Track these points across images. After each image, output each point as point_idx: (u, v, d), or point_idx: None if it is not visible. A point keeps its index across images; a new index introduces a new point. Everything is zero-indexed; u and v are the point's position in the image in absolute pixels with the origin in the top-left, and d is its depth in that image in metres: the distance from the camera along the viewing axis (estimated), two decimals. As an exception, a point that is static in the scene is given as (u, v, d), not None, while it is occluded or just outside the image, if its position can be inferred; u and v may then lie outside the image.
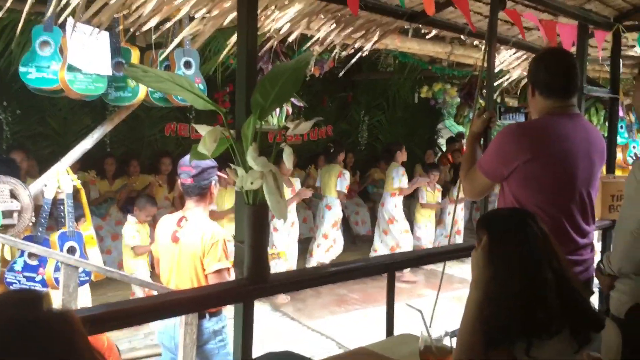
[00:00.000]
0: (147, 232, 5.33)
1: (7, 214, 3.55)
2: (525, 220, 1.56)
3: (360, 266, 2.35)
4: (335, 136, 9.08)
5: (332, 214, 6.83)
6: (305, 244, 7.77)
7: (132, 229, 5.20)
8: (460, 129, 10.00)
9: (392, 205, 7.17)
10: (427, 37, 4.44)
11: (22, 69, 3.51)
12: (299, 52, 5.03)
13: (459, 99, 8.51)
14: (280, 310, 5.73)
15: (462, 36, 3.69)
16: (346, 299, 6.21)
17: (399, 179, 7.04)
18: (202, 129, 1.92)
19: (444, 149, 10.16)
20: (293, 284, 2.16)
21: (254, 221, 1.98)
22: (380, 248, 7.17)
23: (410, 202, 8.13)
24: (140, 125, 7.48)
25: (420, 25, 3.33)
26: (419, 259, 2.54)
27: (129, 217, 5.31)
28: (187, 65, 4.03)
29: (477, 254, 1.56)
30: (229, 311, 3.28)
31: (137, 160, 6.97)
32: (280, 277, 2.07)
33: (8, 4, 2.47)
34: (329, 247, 6.82)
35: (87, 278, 3.47)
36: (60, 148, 6.54)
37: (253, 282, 1.98)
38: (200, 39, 3.81)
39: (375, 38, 3.36)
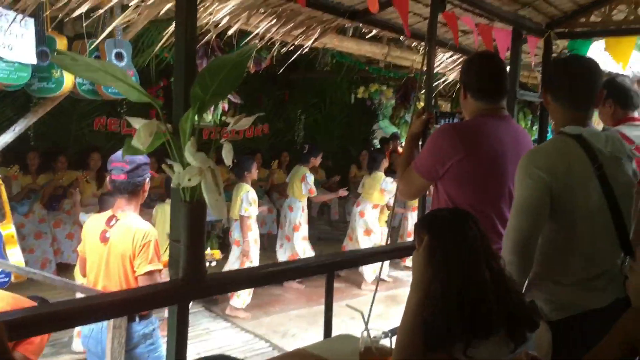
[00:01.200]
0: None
1: None
2: (465, 221, 1.57)
3: (299, 266, 2.30)
4: (271, 134, 9.01)
5: (294, 216, 6.71)
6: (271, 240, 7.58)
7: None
8: (395, 129, 10.16)
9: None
10: (366, 37, 4.45)
11: (-64, 55, 3.26)
12: (237, 48, 4.94)
13: (394, 101, 8.63)
14: (212, 310, 5.60)
15: (401, 37, 3.71)
16: (281, 299, 6.16)
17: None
18: (137, 122, 1.82)
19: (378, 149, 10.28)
20: (230, 285, 2.10)
21: (190, 219, 1.90)
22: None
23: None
24: (68, 119, 7.13)
25: (360, 25, 3.32)
26: (358, 259, 2.53)
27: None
28: (119, 56, 3.87)
29: (418, 254, 1.56)
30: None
31: (65, 155, 6.65)
32: (216, 278, 1.99)
33: None
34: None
35: (7, 279, 3.26)
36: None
37: (188, 282, 1.90)
38: (133, 30, 3.65)
39: (316, 35, 3.33)
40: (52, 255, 6.42)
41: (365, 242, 6.72)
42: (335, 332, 2.45)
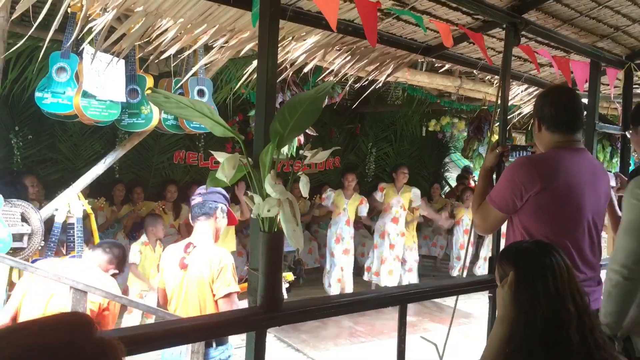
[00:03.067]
0: (151, 258, 5.38)
1: (18, 237, 3.56)
2: (552, 254, 1.56)
3: (373, 297, 2.32)
4: (342, 167, 9.13)
5: None
6: (311, 274, 7.73)
7: (136, 247, 5.37)
8: (467, 163, 10.01)
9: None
10: (439, 71, 4.48)
11: (37, 94, 3.56)
12: (311, 83, 5.09)
13: (466, 133, 8.55)
14: (284, 340, 5.66)
15: (474, 71, 3.72)
16: (352, 331, 6.14)
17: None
18: (220, 156, 1.93)
19: (452, 182, 10.16)
20: (306, 313, 2.14)
21: (269, 249, 1.97)
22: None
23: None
24: (149, 152, 7.52)
25: (433, 59, 3.36)
26: (431, 291, 2.52)
27: (142, 237, 5.45)
28: (201, 93, 4.08)
29: (504, 291, 1.55)
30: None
31: (142, 186, 6.99)
32: (293, 306, 2.05)
33: (29, 33, 2.51)
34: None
35: (96, 303, 3.45)
36: (69, 173, 6.58)
37: (266, 310, 1.96)
38: (214, 68, 3.87)
39: (389, 71, 3.39)
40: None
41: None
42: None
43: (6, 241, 3.35)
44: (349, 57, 3.13)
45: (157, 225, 5.46)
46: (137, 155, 7.36)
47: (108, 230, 6.66)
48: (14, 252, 3.46)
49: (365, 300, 2.29)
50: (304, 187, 2.01)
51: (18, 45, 2.67)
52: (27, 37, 2.59)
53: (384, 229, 7.28)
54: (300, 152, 2.06)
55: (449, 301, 6.85)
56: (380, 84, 3.67)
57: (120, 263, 3.39)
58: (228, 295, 3.08)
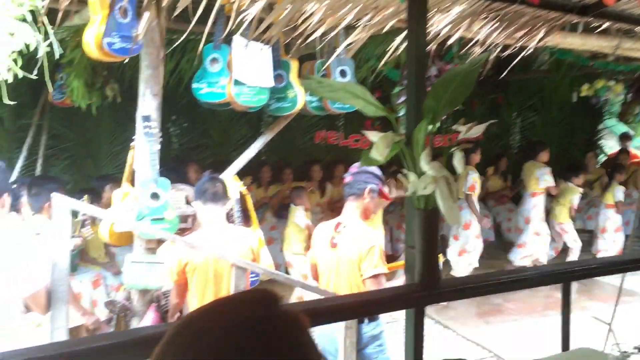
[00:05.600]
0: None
1: (183, 218, 3.88)
2: None
3: (534, 275, 2.23)
4: (484, 140, 8.78)
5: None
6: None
7: (301, 213, 5.74)
8: (625, 129, 9.16)
9: (531, 206, 6.88)
10: (595, 31, 4.13)
11: (194, 85, 3.82)
12: (450, 54, 4.95)
13: (623, 97, 7.82)
14: (432, 317, 5.63)
15: (637, 28, 3.38)
16: (502, 308, 5.95)
17: (544, 179, 6.75)
18: (373, 136, 1.94)
19: (607, 150, 9.38)
20: (463, 291, 2.11)
21: (425, 226, 1.96)
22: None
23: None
24: (292, 134, 7.78)
25: (590, 19, 3.10)
26: (598, 268, 2.36)
27: (293, 207, 5.81)
28: (343, 73, 4.13)
29: None
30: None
31: (290, 168, 7.27)
32: (451, 284, 2.03)
33: (189, 30, 2.70)
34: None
35: (257, 279, 3.68)
36: (220, 157, 7.03)
37: (424, 288, 1.96)
38: (355, 47, 3.89)
39: (540, 35, 3.19)
40: (282, 260, 7.02)
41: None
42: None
43: (174, 223, 3.66)
44: (497, 24, 2.98)
45: (303, 197, 5.72)
46: (281, 137, 7.62)
47: (257, 210, 7.01)
48: (180, 232, 3.77)
49: (526, 278, 2.20)
50: (458, 163, 1.97)
51: (179, 41, 2.88)
52: (186, 34, 2.78)
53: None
54: (453, 127, 2.01)
55: (607, 277, 6.40)
56: (529, 51, 3.47)
57: None
58: (375, 277, 3.11)
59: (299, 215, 5.75)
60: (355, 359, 3.25)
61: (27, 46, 2.94)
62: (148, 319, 3.59)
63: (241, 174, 6.67)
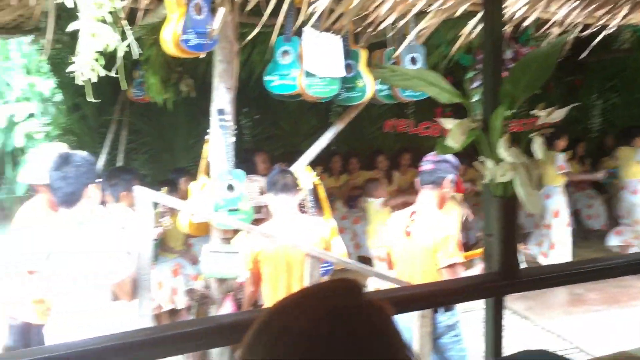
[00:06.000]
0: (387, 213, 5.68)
1: (257, 209, 3.96)
2: None
3: (622, 264, 2.13)
4: (561, 123, 8.42)
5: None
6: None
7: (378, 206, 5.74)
8: None
9: (633, 190, 6.66)
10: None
11: (266, 78, 3.88)
12: (525, 36, 4.78)
13: None
14: (509, 307, 5.50)
15: None
16: (583, 298, 5.72)
17: None
18: (448, 123, 1.91)
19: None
20: (544, 281, 2.05)
21: (504, 214, 1.92)
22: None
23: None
24: (361, 124, 7.75)
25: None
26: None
27: (370, 200, 5.83)
28: (413, 60, 4.08)
29: None
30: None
31: (357, 157, 7.27)
32: (531, 273, 1.97)
33: (261, 23, 2.74)
34: None
35: (330, 268, 3.72)
36: (290, 148, 7.11)
37: (503, 277, 1.92)
38: (426, 33, 3.83)
39: (623, 13, 3.03)
40: (353, 249, 7.05)
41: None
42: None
43: (249, 213, 3.74)
44: (576, 3, 2.85)
45: (379, 188, 5.67)
46: (350, 127, 7.61)
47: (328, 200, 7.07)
48: (255, 223, 3.86)
49: (611, 267, 2.11)
50: (538, 148, 1.91)
51: (252, 35, 2.93)
52: (259, 26, 2.82)
53: None
54: (532, 111, 1.95)
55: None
56: (600, 29, 3.30)
57: None
58: (451, 266, 3.08)
59: (377, 208, 5.72)
60: (430, 348, 3.23)
61: (107, 46, 3.08)
62: (226, 308, 3.71)
63: (313, 164, 6.77)
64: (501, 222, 1.92)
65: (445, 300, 2.19)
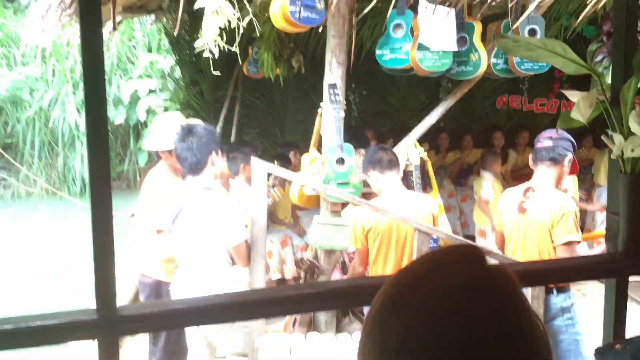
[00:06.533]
0: (500, 189, 5.49)
1: (366, 183, 4.01)
2: None
3: None
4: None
5: None
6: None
7: (489, 184, 5.55)
8: None
9: None
10: None
11: (378, 52, 3.88)
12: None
13: None
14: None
15: None
16: None
17: None
18: (574, 95, 1.84)
19: None
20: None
21: (631, 192, 1.82)
22: None
23: None
24: (472, 99, 7.53)
25: None
26: None
27: (483, 172, 5.67)
28: (532, 32, 3.90)
29: None
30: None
31: (470, 134, 7.09)
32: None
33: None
34: None
35: (435, 244, 3.71)
36: (398, 124, 7.07)
37: (629, 257, 1.83)
38: (546, 4, 3.65)
39: None
40: (459, 228, 6.94)
41: None
42: None
43: (358, 187, 3.80)
44: None
45: (497, 162, 5.65)
46: (460, 103, 7.45)
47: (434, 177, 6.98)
48: (365, 197, 3.91)
49: None
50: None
51: (367, 9, 2.95)
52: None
53: None
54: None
55: None
56: None
57: None
58: (569, 244, 2.98)
59: (487, 182, 5.62)
60: (542, 329, 3.15)
61: (229, 23, 3.23)
62: (334, 278, 3.82)
63: (419, 141, 6.71)
64: (628, 199, 1.82)
65: (560, 277, 2.13)
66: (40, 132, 13.06)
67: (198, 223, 3.04)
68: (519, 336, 0.65)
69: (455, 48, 3.76)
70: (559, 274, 1.98)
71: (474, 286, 0.66)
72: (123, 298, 5.05)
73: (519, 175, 6.18)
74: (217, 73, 3.32)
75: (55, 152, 13.21)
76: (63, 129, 12.92)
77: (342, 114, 3.78)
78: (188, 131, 3.09)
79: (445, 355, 0.62)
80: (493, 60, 3.98)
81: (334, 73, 3.79)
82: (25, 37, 5.13)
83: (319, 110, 3.95)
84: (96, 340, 1.09)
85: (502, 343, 0.63)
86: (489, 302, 0.65)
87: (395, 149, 4.22)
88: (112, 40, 11.14)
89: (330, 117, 3.78)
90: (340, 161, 3.74)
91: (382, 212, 3.29)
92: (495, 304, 0.65)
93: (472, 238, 6.80)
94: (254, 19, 3.19)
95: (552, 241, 3.02)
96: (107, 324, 1.04)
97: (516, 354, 0.63)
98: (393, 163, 3.41)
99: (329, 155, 3.76)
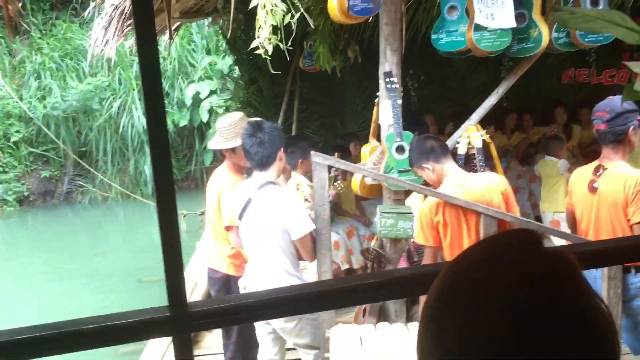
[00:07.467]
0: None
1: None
2: None
3: None
4: None
5: None
6: None
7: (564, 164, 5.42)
8: None
9: None
10: None
11: (433, 36, 3.82)
12: None
13: None
14: None
15: None
16: None
17: None
18: (638, 67, 1.75)
19: None
20: None
21: None
22: None
23: None
24: (536, 76, 7.28)
25: None
26: None
27: (548, 159, 5.53)
28: (594, 2, 3.73)
29: None
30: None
31: (530, 113, 6.86)
32: None
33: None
34: None
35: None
36: (459, 107, 6.93)
37: None
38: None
39: None
40: (529, 209, 6.73)
41: None
42: None
43: (419, 174, 3.76)
44: None
45: (562, 146, 5.48)
46: (523, 81, 7.20)
47: (501, 159, 6.79)
48: (426, 184, 3.87)
49: None
50: None
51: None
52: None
53: None
54: None
55: None
56: None
57: None
58: (646, 221, 2.86)
59: (561, 171, 5.44)
60: (620, 310, 3.04)
61: (283, 19, 3.27)
62: (401, 267, 3.81)
63: (483, 123, 6.54)
64: None
65: (637, 257, 2.04)
66: (112, 139, 13.66)
67: (264, 217, 3.12)
68: (580, 321, 0.63)
69: (513, 25, 3.64)
70: (636, 252, 1.90)
71: (531, 272, 0.64)
72: (198, 293, 5.24)
73: (588, 152, 5.94)
74: (277, 72, 3.35)
75: (127, 157, 13.79)
76: (132, 135, 13.47)
77: (399, 102, 3.75)
78: (257, 126, 3.18)
79: (506, 344, 0.61)
80: (554, 34, 3.83)
81: (388, 61, 3.76)
82: (91, 49, 5.37)
83: (377, 99, 3.93)
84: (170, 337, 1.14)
85: (564, 329, 0.62)
86: (547, 287, 0.63)
87: (457, 133, 4.15)
88: (172, 45, 11.46)
89: (387, 105, 3.77)
90: (400, 149, 3.72)
91: (449, 198, 3.20)
92: (554, 289, 0.63)
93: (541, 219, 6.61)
94: (305, 14, 3.21)
95: (628, 220, 2.91)
96: (179, 321, 1.09)
97: (579, 339, 0.62)
98: (445, 148, 3.33)
99: (388, 144, 3.74)
